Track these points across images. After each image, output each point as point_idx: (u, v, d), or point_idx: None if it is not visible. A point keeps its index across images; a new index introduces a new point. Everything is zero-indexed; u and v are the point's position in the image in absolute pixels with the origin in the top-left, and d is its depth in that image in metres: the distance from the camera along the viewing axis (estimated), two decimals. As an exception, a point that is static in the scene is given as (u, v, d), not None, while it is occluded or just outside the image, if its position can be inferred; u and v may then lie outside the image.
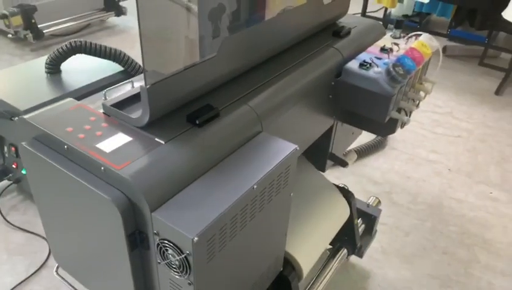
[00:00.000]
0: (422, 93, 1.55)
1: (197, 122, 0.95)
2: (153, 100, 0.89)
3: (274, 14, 1.20)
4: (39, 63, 2.11)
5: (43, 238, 1.98)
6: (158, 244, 0.82)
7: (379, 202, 1.92)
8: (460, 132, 3.00)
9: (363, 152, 2.64)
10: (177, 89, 0.95)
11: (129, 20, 4.46)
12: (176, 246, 0.79)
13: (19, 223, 2.06)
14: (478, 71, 3.87)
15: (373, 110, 1.33)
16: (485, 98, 3.45)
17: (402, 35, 1.55)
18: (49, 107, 1.00)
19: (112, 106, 0.97)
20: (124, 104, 1.01)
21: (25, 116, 0.96)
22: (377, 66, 1.31)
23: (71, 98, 1.04)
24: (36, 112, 0.98)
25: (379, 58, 1.37)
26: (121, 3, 4.30)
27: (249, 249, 1.00)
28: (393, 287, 1.86)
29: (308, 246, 1.39)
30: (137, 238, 0.86)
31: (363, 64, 1.32)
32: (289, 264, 1.32)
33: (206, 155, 0.92)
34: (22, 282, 1.79)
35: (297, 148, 1.00)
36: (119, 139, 0.89)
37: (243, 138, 1.01)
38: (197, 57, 0.97)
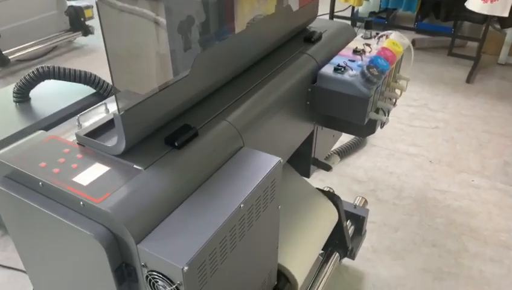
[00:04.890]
0: (398, 91, 1.56)
1: (176, 144, 0.92)
2: (128, 127, 0.86)
3: (244, 26, 1.19)
4: (6, 92, 2.05)
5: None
6: (147, 277, 0.79)
7: (365, 201, 1.92)
8: (437, 122, 3.04)
9: (345, 152, 2.64)
10: (152, 112, 0.92)
11: (97, 39, 4.38)
12: (166, 277, 0.76)
13: (0, 260, 1.98)
14: (448, 61, 3.95)
15: (351, 113, 1.33)
16: (458, 87, 3.52)
17: (373, 35, 1.55)
18: (19, 142, 0.96)
19: (85, 135, 0.94)
20: (98, 131, 0.97)
21: (-6, 155, 0.91)
22: (352, 69, 1.31)
23: (42, 131, 1.00)
24: (6, 149, 0.93)
25: (352, 61, 1.37)
26: (87, 23, 4.23)
27: (242, 268, 0.97)
28: (387, 286, 1.86)
29: (300, 256, 1.37)
30: (124, 272, 0.82)
31: (337, 69, 1.31)
32: (283, 277, 1.30)
33: (188, 178, 0.90)
34: (7, 322, 1.71)
35: (281, 160, 0.99)
36: (96, 170, 0.86)
37: (225, 155, 0.99)
38: (170, 76, 0.94)
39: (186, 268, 0.72)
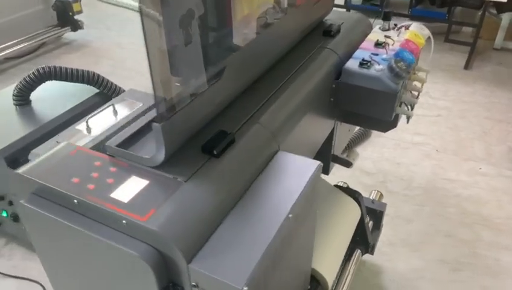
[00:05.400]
0: (418, 84, 1.53)
1: (215, 152, 0.87)
2: (167, 136, 0.80)
3: (269, 22, 1.13)
4: (4, 94, 1.95)
5: (37, 282, 1.84)
6: (198, 297, 0.74)
7: (381, 195, 1.90)
8: (439, 110, 3.03)
9: (352, 144, 2.62)
10: (190, 119, 0.86)
11: (87, 34, 4.25)
12: (221, 297, 0.72)
13: (7, 269, 1.91)
14: (444, 48, 3.94)
15: (378, 109, 1.29)
16: (456, 74, 3.51)
17: (391, 26, 1.51)
18: (45, 155, 0.89)
19: (117, 146, 0.88)
20: (128, 140, 0.92)
21: (20, 171, 0.85)
22: (378, 64, 1.27)
23: (68, 142, 0.93)
24: (31, 164, 0.87)
25: (376, 54, 1.33)
26: (76, 17, 4.09)
27: (285, 278, 0.94)
28: (406, 279, 1.85)
29: (328, 257, 1.34)
30: (171, 292, 0.78)
31: (363, 63, 1.27)
32: (314, 279, 1.26)
33: (231, 188, 0.85)
34: (20, 335, 1.66)
35: (321, 164, 0.94)
36: (134, 185, 0.80)
37: (262, 160, 0.94)
38: (205, 81, 0.88)
39: (245, 289, 0.68)
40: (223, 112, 1.02)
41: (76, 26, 4.13)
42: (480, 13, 3.57)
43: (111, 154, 0.89)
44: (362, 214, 1.57)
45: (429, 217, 2.16)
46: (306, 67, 1.24)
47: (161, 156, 0.81)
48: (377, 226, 1.79)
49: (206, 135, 0.92)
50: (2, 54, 3.67)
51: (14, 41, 3.78)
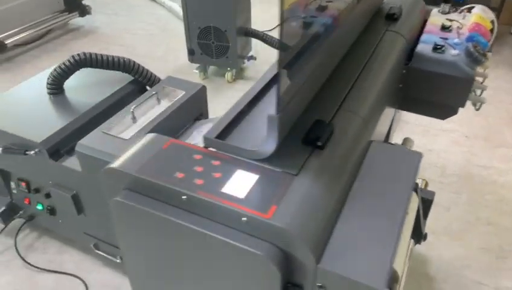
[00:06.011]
0: (480, 69, 1.48)
1: (319, 144, 0.82)
2: (280, 128, 0.74)
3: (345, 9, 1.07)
4: (35, 84, 1.87)
5: (74, 276, 1.79)
6: (325, 298, 0.70)
7: (427, 183, 1.86)
8: (464, 96, 2.99)
9: (381, 131, 2.58)
10: (295, 109, 0.81)
11: (95, 20, 4.12)
12: (353, 299, 0.67)
13: (42, 263, 1.84)
14: (461, 32, 3.88)
15: (451, 96, 1.25)
16: (476, 58, 3.47)
17: (452, 9, 1.46)
18: (133, 149, 0.83)
19: (216, 137, 0.82)
20: (222, 132, 0.86)
21: (114, 165, 0.79)
22: (453, 48, 1.21)
23: (156, 134, 0.87)
24: (123, 158, 0.81)
25: (445, 39, 1.28)
26: (83, 2, 3.95)
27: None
28: (452, 268, 1.82)
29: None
30: (290, 293, 0.73)
31: (437, 48, 1.22)
32: (386, 272, 1.23)
33: (339, 181, 0.80)
34: (65, 331, 1.60)
35: (422, 155, 0.90)
36: (244, 179, 0.75)
37: (361, 150, 0.89)
38: (307, 71, 0.83)
39: (387, 290, 0.64)
40: (313, 101, 0.96)
41: (83, 11, 3.99)
42: (499, -3, 3.52)
43: (208, 146, 0.83)
44: (419, 204, 1.53)
45: (467, 204, 2.13)
46: (379, 52, 1.19)
47: (271, 149, 0.76)
48: (425, 215, 1.76)
49: (299, 125, 0.86)
50: (10, 40, 3.54)
51: (21, 28, 3.66)
